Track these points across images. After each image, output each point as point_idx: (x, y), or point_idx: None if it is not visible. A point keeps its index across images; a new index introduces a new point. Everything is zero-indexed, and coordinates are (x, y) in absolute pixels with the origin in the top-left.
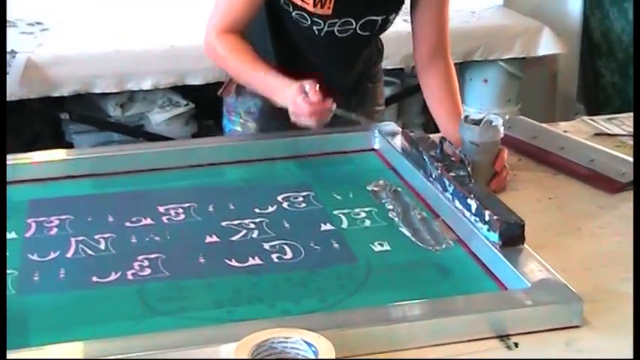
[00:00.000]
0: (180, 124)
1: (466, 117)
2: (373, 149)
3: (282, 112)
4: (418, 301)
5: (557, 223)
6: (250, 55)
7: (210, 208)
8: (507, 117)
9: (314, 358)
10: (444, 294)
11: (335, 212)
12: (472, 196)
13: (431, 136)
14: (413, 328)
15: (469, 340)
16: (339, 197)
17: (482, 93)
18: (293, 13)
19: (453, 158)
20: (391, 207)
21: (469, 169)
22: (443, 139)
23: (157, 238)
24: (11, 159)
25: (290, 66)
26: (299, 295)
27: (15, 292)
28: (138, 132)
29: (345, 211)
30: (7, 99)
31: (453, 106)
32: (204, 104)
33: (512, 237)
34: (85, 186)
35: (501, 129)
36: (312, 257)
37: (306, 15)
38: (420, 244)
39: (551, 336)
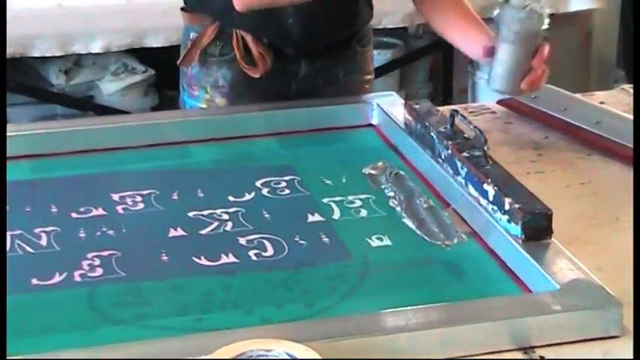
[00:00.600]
0: (138, 95)
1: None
2: (370, 125)
3: (260, 86)
4: (424, 306)
5: (592, 212)
6: None
7: (175, 196)
8: None
9: None
10: (456, 297)
11: (324, 200)
12: (489, 180)
13: (440, 108)
14: (418, 338)
15: (486, 353)
16: (329, 182)
17: None
18: None
19: (466, 135)
20: (392, 194)
21: (486, 148)
22: (455, 112)
23: (110, 232)
24: None
25: (266, 23)
26: (281, 299)
27: None
28: (86, 104)
29: (336, 198)
30: None
31: (469, 13)
32: (167, 71)
33: (537, 229)
34: (22, 169)
35: (546, 20)
36: (297, 254)
37: None
38: (426, 238)
39: (584, 348)
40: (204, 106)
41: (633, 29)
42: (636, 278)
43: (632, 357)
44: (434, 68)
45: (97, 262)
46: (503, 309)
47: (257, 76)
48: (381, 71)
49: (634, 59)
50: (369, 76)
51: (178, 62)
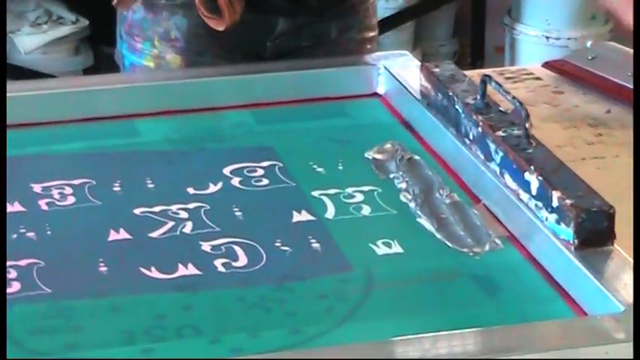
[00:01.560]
0: (66, 54)
1: None
2: (376, 94)
3: (225, 41)
4: (446, 332)
5: None
6: None
7: (116, 187)
8: (590, 43)
9: None
10: (488, 322)
11: (315, 194)
12: (532, 168)
13: (467, 73)
14: None
15: None
16: (321, 170)
17: (552, 5)
18: None
19: (502, 108)
20: (404, 185)
21: (528, 125)
22: (487, 78)
23: (30, 235)
24: None
25: None
26: (258, 323)
27: None
28: None
29: (331, 191)
30: None
31: None
32: (104, 21)
33: (595, 233)
34: None
35: None
36: (278, 264)
37: None
38: (449, 243)
39: None
40: (151, 64)
41: (633, 33)
42: (636, 278)
43: (632, 357)
44: (460, 19)
45: (13, 274)
46: (551, 337)
47: (221, 28)
48: (389, 24)
49: (634, 59)
50: (371, 33)
51: (113, 2)
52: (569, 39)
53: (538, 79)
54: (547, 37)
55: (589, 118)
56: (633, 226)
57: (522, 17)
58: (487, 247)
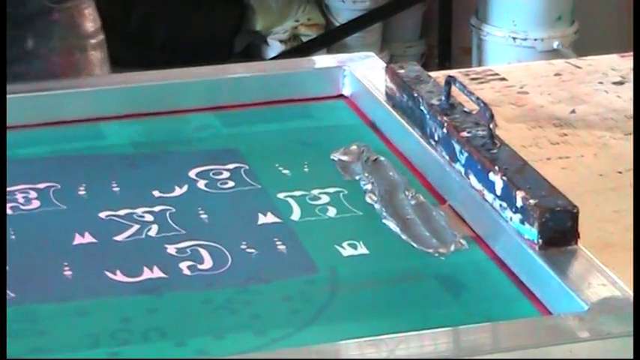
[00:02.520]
0: None
1: None
2: (341, 95)
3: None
4: (412, 333)
5: (631, 210)
6: None
7: (81, 191)
8: (557, 43)
9: None
10: (453, 322)
11: (280, 196)
12: (497, 168)
13: (432, 74)
14: None
15: None
16: (286, 172)
17: (518, 6)
18: None
19: (466, 109)
20: (369, 187)
21: (492, 125)
22: (451, 79)
23: None
24: None
25: None
26: (224, 326)
27: None
28: None
29: (296, 193)
30: None
31: None
32: None
33: (559, 232)
34: None
35: None
36: (244, 267)
37: None
38: (414, 244)
39: None
40: None
41: (633, 29)
42: (636, 278)
43: (632, 357)
44: (427, 21)
45: None
46: (516, 336)
47: None
48: (356, 26)
49: (634, 58)
50: (91, 40)
51: None
52: (535, 40)
53: (503, 79)
54: (514, 38)
55: (554, 118)
56: (633, 225)
57: (489, 18)
58: (452, 248)
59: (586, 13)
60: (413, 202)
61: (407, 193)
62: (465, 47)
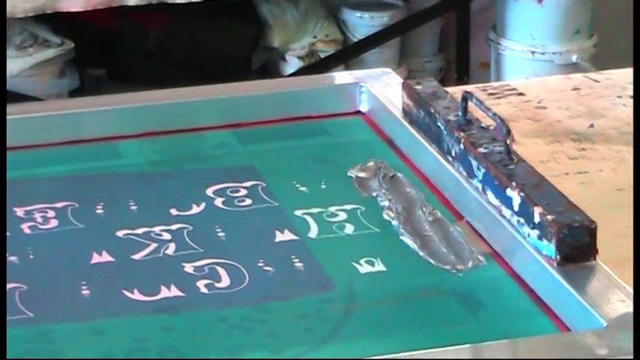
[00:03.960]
0: (52, 76)
1: None
2: (358, 112)
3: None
4: (429, 350)
5: None
6: None
7: (99, 209)
8: (575, 57)
9: None
10: (472, 338)
11: (298, 213)
12: (514, 184)
13: (450, 89)
14: None
15: None
16: (303, 189)
17: (536, 19)
18: None
19: (484, 125)
20: (387, 203)
21: (509, 141)
22: (468, 94)
23: (12, 259)
24: None
25: None
26: (240, 344)
27: None
28: None
29: (313, 210)
30: None
31: None
32: (90, 43)
33: (577, 248)
34: None
35: None
36: (261, 285)
37: None
38: (432, 261)
39: None
40: None
41: (633, 28)
42: (636, 277)
43: (632, 357)
44: (445, 36)
45: None
46: (534, 353)
47: None
48: (374, 41)
49: (634, 57)
50: None
51: None
52: (554, 53)
53: (521, 94)
54: (532, 52)
55: (572, 133)
56: (633, 226)
57: (507, 32)
58: (470, 264)
59: (605, 27)
60: (430, 219)
61: (424, 209)
62: (484, 62)
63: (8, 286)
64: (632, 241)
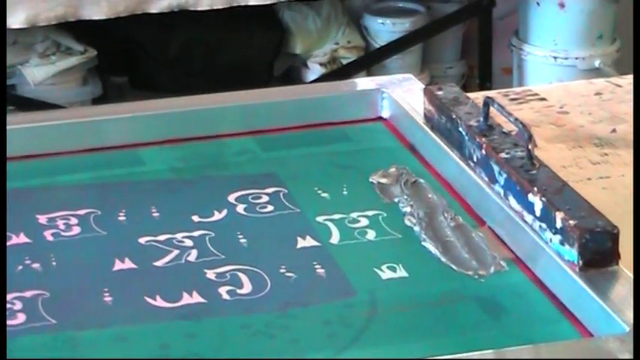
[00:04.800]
0: (75, 84)
1: None
2: (380, 118)
3: None
4: (452, 356)
5: None
6: None
7: (122, 217)
8: (598, 62)
9: None
10: (494, 344)
11: (320, 219)
12: (536, 189)
13: (471, 95)
14: None
15: None
16: (325, 195)
17: (558, 24)
18: None
19: (505, 130)
20: (408, 209)
21: (531, 146)
22: (489, 100)
23: (35, 266)
24: None
25: None
26: (262, 350)
27: None
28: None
29: (335, 216)
30: None
31: None
32: (112, 51)
33: (599, 253)
34: None
35: None
36: (283, 291)
37: None
38: (454, 267)
39: None
40: None
41: (633, 29)
42: (636, 277)
43: (632, 357)
44: (467, 42)
45: (18, 305)
46: (557, 358)
47: None
48: (396, 47)
49: (634, 57)
50: None
51: None
52: (576, 58)
53: (543, 99)
54: (555, 58)
55: (594, 138)
56: (633, 226)
57: (529, 38)
58: (492, 270)
59: (628, 31)
60: (452, 224)
61: (446, 215)
62: (506, 67)
63: (31, 292)
64: (633, 241)
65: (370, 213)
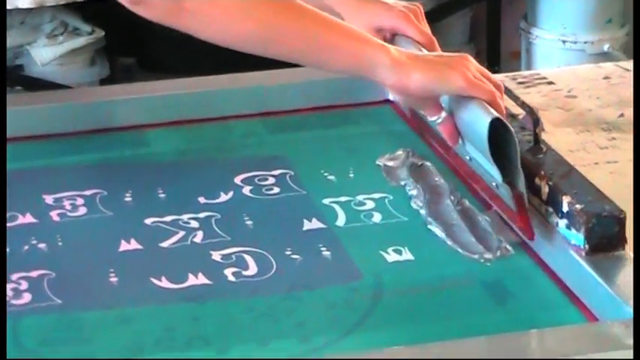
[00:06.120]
0: (82, 65)
1: None
2: (387, 101)
3: None
4: (457, 340)
5: None
6: None
7: (127, 197)
8: (607, 46)
9: None
10: (499, 329)
11: (326, 201)
12: (542, 173)
13: None
14: None
15: None
16: (331, 178)
17: (567, 8)
18: None
19: (512, 113)
20: (415, 192)
21: (538, 130)
22: None
23: (41, 246)
24: None
25: None
26: (267, 333)
27: None
28: (13, 77)
29: (341, 199)
30: None
31: None
32: (120, 32)
33: (605, 238)
34: None
35: None
36: (288, 273)
37: None
38: (460, 250)
39: None
40: None
41: (633, 30)
42: (636, 277)
43: (632, 357)
44: (476, 25)
45: (24, 285)
46: (562, 343)
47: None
48: None
49: (634, 59)
50: None
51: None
52: (585, 42)
53: (551, 83)
54: (564, 41)
55: (602, 123)
56: (633, 225)
57: (538, 22)
58: (498, 254)
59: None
60: (458, 208)
61: (452, 198)
62: (514, 51)
63: (37, 272)
64: (633, 243)
65: (376, 196)
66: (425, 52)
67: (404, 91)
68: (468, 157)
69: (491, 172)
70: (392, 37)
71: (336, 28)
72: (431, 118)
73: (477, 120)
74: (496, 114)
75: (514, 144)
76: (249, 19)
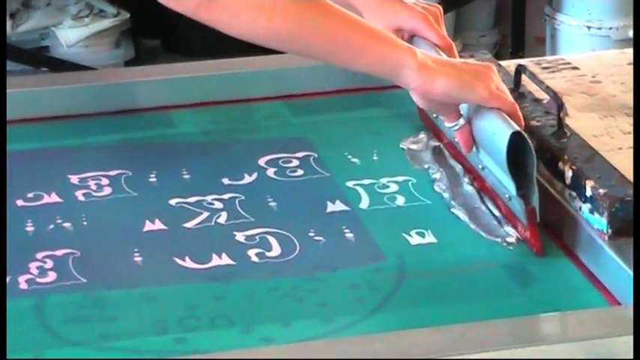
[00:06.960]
0: (107, 46)
1: None
2: None
3: None
4: (479, 322)
5: None
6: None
7: (152, 178)
8: (632, 32)
9: None
10: (521, 311)
11: (349, 184)
12: (566, 157)
13: (503, 63)
14: None
15: None
16: (355, 160)
17: None
18: None
19: (536, 98)
20: (438, 175)
21: (562, 114)
22: (521, 67)
23: (66, 225)
24: None
25: None
26: (290, 313)
27: None
28: (38, 58)
29: (365, 182)
30: None
31: None
32: (145, 14)
33: (629, 222)
34: None
35: None
36: (312, 254)
37: None
38: (482, 233)
39: None
40: None
41: (633, 30)
42: (636, 278)
43: (632, 357)
44: (500, 10)
45: (49, 264)
46: (584, 326)
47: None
48: None
49: (634, 59)
50: None
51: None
52: (610, 29)
53: (575, 68)
54: (588, 27)
55: (626, 108)
56: (633, 224)
57: (563, 7)
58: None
59: None
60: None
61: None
62: (539, 37)
63: (62, 251)
64: (633, 243)
65: (400, 179)
66: (444, 56)
67: (427, 95)
68: (480, 166)
69: (506, 183)
70: (410, 38)
71: (364, 29)
72: (448, 124)
73: (497, 131)
74: (517, 127)
75: (532, 158)
76: (278, 16)
